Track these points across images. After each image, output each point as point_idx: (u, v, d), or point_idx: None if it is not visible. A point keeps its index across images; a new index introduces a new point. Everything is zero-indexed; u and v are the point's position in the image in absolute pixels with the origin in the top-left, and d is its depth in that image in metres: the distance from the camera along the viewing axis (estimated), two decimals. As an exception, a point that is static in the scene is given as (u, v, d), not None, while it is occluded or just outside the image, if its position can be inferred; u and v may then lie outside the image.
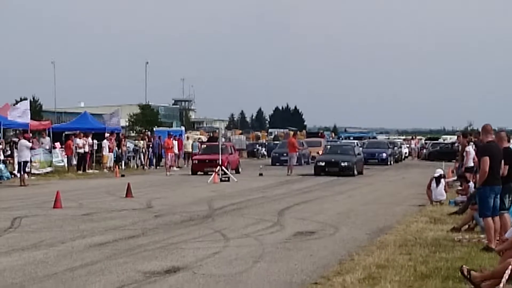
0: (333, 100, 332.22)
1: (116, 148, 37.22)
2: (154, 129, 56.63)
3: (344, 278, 8.68)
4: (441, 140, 66.83)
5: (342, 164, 32.80)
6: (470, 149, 20.42)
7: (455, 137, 42.27)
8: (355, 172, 32.86)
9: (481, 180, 10.94)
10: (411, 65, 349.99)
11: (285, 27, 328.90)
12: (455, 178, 22.42)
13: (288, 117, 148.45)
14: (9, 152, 30.99)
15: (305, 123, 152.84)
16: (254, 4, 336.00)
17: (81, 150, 34.15)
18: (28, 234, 12.91)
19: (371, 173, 35.24)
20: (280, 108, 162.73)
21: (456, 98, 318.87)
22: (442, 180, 18.51)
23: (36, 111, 68.70)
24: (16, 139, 31.73)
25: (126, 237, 12.57)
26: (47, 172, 32.04)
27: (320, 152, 39.29)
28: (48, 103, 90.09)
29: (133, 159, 39.47)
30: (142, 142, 39.71)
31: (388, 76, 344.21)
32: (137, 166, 38.86)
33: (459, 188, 18.64)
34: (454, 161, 30.63)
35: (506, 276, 7.51)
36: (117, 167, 34.72)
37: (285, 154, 39.34)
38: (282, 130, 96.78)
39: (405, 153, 57.98)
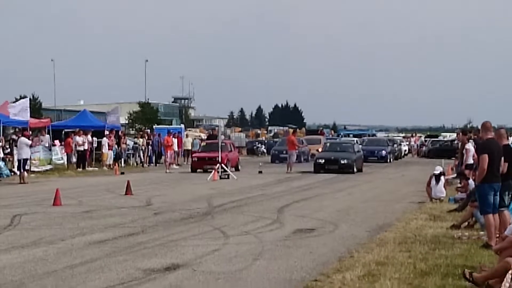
0: (332, 97, 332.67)
1: (116, 145, 37.21)
2: (154, 126, 56.62)
3: (344, 275, 8.68)
4: (440, 138, 66.82)
5: (342, 161, 32.81)
6: (470, 146, 20.43)
7: (455, 134, 42.19)
8: (355, 170, 32.86)
9: (480, 177, 10.94)
10: (411, 63, 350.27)
11: (285, 25, 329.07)
12: (455, 175, 22.43)
13: (288, 115, 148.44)
14: (8, 150, 30.97)
15: (304, 120, 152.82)
16: (254, 3, 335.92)
17: (81, 148, 34.17)
18: (27, 232, 12.91)
19: (370, 170, 35.24)
20: (280, 105, 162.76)
21: (455, 96, 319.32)
22: (442, 177, 18.52)
23: (36, 109, 68.65)
24: (15, 137, 31.73)
25: (126, 234, 12.57)
26: (47, 170, 32.04)
27: (320, 150, 39.27)
28: (47, 101, 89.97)
29: (133, 156, 39.47)
30: (141, 140, 39.72)
31: (387, 73, 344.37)
32: (137, 164, 38.87)
33: (459, 185, 18.63)
34: (454, 158, 30.62)
35: (507, 282, 7.48)
36: (116, 164, 34.72)
37: (284, 152, 39.33)
38: (281, 127, 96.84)
39: (405, 150, 57.99)
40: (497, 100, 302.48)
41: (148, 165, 38.97)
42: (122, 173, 31.90)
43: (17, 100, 46.19)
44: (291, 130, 54.11)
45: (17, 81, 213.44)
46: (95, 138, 36.01)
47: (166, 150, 36.38)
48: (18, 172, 27.02)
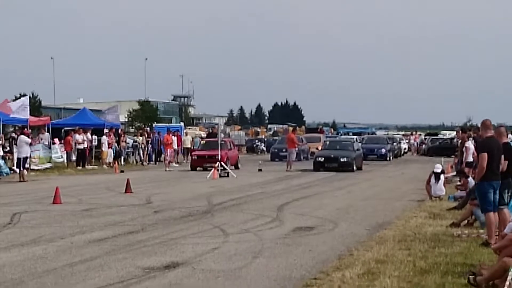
0: (332, 95, 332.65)
1: (116, 144, 37.20)
2: (154, 125, 56.62)
3: (344, 273, 8.68)
4: (440, 136, 66.82)
5: (341, 159, 32.80)
6: (470, 144, 20.43)
7: (454, 132, 42.19)
8: (354, 168, 32.86)
9: (479, 175, 10.94)
10: (410, 61, 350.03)
11: (284, 23, 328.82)
12: (454, 173, 22.43)
13: (287, 113, 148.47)
14: (8, 148, 30.96)
15: (304, 118, 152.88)
16: (253, 1, 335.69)
17: (81, 146, 34.14)
18: (27, 230, 12.91)
19: (370, 168, 35.23)
20: (279, 103, 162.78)
21: (455, 94, 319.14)
22: (442, 175, 18.52)
23: (36, 107, 68.60)
24: (15, 135, 31.74)
25: (126, 232, 12.57)
26: (47, 168, 32.04)
27: (319, 148, 39.27)
28: (47, 99, 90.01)
29: (132, 155, 39.47)
30: (141, 138, 39.70)
31: (387, 72, 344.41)
32: (136, 162, 38.86)
33: (458, 183, 18.64)
34: (453, 156, 30.63)
35: (509, 282, 7.48)
36: (116, 163, 34.71)
37: (284, 150, 39.34)
38: (281, 125, 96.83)
39: (404, 148, 57.98)
40: (497, 98, 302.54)
41: (148, 163, 38.96)
42: (122, 171, 31.90)
43: (16, 98, 46.19)
44: (290, 128, 54.24)
45: (17, 79, 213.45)
46: (94, 136, 36.00)
47: (165, 148, 36.37)
48: (17, 170, 27.01)
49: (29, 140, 27.49)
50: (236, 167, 33.98)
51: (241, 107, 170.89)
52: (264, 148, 57.82)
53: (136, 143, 39.44)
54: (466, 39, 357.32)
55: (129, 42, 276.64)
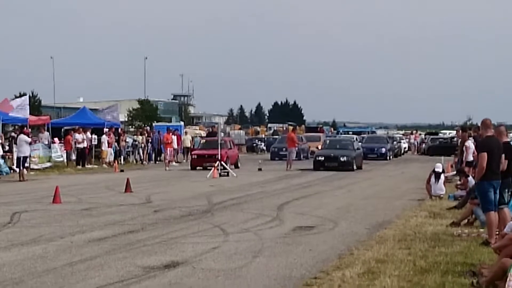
0: (332, 95, 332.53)
1: (115, 143, 37.19)
2: (154, 124, 56.61)
3: (344, 272, 8.67)
4: (440, 135, 66.80)
5: (341, 159, 32.79)
6: (470, 143, 20.42)
7: (454, 131, 42.17)
8: (354, 167, 32.85)
9: (479, 175, 10.93)
10: (410, 61, 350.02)
11: (284, 22, 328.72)
12: (454, 172, 22.42)
13: (287, 112, 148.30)
14: (8, 148, 30.96)
15: (304, 118, 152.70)
16: (253, 1, 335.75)
17: (80, 145, 34.12)
18: (27, 229, 12.91)
19: (370, 168, 35.23)
20: (279, 103, 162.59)
21: (455, 93, 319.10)
22: (442, 175, 18.52)
23: (35, 106, 68.64)
24: (14, 135, 31.74)
25: (126, 232, 12.57)
26: (46, 167, 32.02)
27: (319, 147, 39.25)
28: (47, 98, 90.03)
29: (132, 154, 39.46)
30: (141, 137, 39.69)
31: (387, 71, 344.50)
32: (136, 161, 38.85)
33: (458, 182, 18.64)
34: (454, 155, 30.62)
35: (510, 282, 7.46)
36: (116, 162, 34.71)
37: (284, 149, 39.34)
38: (281, 125, 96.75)
39: (404, 148, 57.97)
40: (497, 98, 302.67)
41: (148, 163, 38.95)
42: (122, 170, 31.89)
43: (16, 97, 46.17)
44: (290, 128, 54.23)
45: (17, 79, 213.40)
46: (94, 136, 35.97)
47: (165, 147, 36.37)
48: (17, 170, 27.00)
49: (29, 140, 27.48)
50: (236, 166, 33.98)
51: (241, 106, 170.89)
52: (264, 147, 57.79)
53: (136, 143, 39.43)
54: (466, 38, 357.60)
55: (129, 41, 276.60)
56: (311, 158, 38.57)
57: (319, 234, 12.42)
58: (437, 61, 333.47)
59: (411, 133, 67.88)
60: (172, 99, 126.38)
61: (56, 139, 36.46)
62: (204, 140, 38.85)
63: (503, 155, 11.04)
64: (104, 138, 35.68)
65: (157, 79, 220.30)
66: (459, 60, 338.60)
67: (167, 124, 59.21)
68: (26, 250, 10.69)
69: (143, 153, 39.36)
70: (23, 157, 26.61)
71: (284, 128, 79.67)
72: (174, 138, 38.65)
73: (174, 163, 37.66)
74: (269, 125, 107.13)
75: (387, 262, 9.34)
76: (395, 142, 52.44)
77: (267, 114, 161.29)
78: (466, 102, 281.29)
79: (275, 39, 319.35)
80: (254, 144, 60.08)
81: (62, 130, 38.05)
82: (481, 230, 12.11)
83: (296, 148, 37.12)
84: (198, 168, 32.95)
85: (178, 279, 8.63)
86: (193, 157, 34.55)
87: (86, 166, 33.96)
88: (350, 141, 37.92)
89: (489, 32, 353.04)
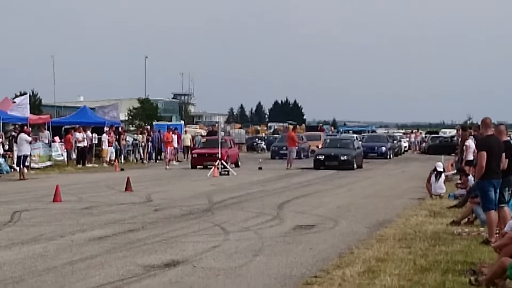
0: (332, 94, 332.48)
1: (116, 142, 37.20)
2: (154, 123, 56.59)
3: (344, 271, 8.68)
4: (441, 134, 66.79)
5: (342, 157, 32.79)
6: (470, 142, 20.42)
7: (455, 130, 42.18)
8: (355, 166, 32.85)
9: (478, 174, 10.92)
10: (411, 60, 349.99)
11: (284, 21, 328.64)
12: (455, 171, 22.42)
13: (288, 111, 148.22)
14: (7, 147, 30.95)
15: (304, 117, 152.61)
16: (254, 1, 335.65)
17: (81, 144, 34.14)
18: (27, 228, 12.91)
19: (370, 166, 35.22)
20: (280, 102, 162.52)
21: (455, 92, 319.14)
22: (442, 173, 18.51)
23: (36, 105, 68.69)
24: (14, 133, 31.73)
25: (126, 231, 12.57)
26: (47, 166, 32.04)
27: (320, 146, 39.26)
28: (47, 97, 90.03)
29: (132, 153, 39.45)
30: (141, 136, 39.69)
31: (387, 70, 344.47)
32: (137, 160, 38.85)
33: (459, 181, 18.64)
34: (454, 154, 30.62)
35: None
36: (116, 161, 34.71)
37: (284, 148, 39.33)
38: (281, 124, 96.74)
39: (405, 146, 57.96)
40: (497, 97, 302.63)
41: (148, 162, 38.95)
42: (122, 169, 31.89)
43: (17, 96, 46.18)
44: (291, 127, 54.14)
45: (17, 78, 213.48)
46: (95, 135, 35.96)
47: (166, 146, 36.38)
48: (18, 169, 27.00)
49: (29, 138, 27.49)
50: (237, 165, 33.99)
51: (242, 105, 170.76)
52: (265, 146, 57.77)
53: (136, 142, 39.43)
54: (466, 37, 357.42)
55: (129, 40, 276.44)
56: (311, 157, 38.55)
57: (320, 233, 12.42)
58: (437, 60, 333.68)
59: (411, 132, 67.87)
60: (172, 98, 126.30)
61: (56, 138, 36.48)
62: (205, 139, 38.86)
63: (503, 154, 11.02)
64: (105, 137, 35.68)
65: (157, 78, 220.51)
66: (459, 59, 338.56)
67: (168, 123, 59.21)
68: (27, 249, 10.69)
69: (143, 152, 39.35)
70: (24, 156, 26.62)
71: (285, 127, 79.62)
72: (175, 137, 38.66)
73: (174, 162, 37.65)
74: (270, 124, 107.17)
75: (388, 261, 9.34)
76: (395, 141, 52.41)
77: (268, 113, 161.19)
78: (466, 101, 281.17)
79: (275, 38, 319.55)
80: (255, 143, 60.06)
81: (63, 129, 38.04)
82: (481, 229, 12.11)
83: (297, 147, 37.12)
84: (198, 167, 32.95)
85: (178, 278, 8.64)
86: (193, 156, 34.55)
87: (87, 165, 33.97)
88: (350, 140, 37.89)
89: (489, 31, 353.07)
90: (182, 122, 65.15)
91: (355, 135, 51.74)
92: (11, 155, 30.27)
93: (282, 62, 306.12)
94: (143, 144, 39.38)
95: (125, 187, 20.63)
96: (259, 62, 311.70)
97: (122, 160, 37.16)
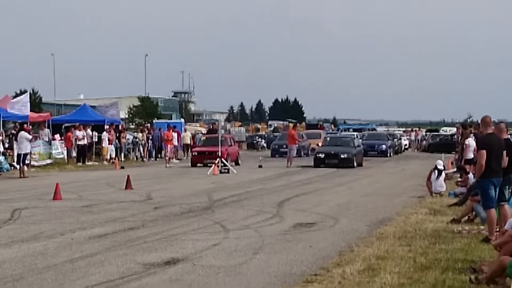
0: (332, 92, 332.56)
1: (116, 140, 37.20)
2: (154, 121, 56.62)
3: (344, 269, 8.68)
4: (441, 132, 66.77)
5: (342, 156, 32.77)
6: (470, 141, 20.42)
7: (455, 129, 42.16)
8: (355, 164, 32.84)
9: (478, 173, 10.91)
10: (411, 58, 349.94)
11: (284, 19, 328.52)
12: (455, 169, 22.42)
13: (288, 109, 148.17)
14: (7, 145, 30.95)
15: (304, 115, 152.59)
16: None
17: (81, 142, 34.15)
18: (27, 226, 12.91)
19: (370, 165, 35.22)
20: (280, 100, 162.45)
21: (455, 90, 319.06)
22: (442, 171, 18.51)
23: (36, 103, 68.73)
24: (14, 131, 31.73)
25: (126, 228, 12.57)
26: (47, 164, 32.04)
27: (320, 144, 39.23)
28: (47, 95, 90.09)
29: (133, 151, 39.46)
30: (141, 134, 39.68)
31: (387, 68, 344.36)
32: (137, 158, 38.85)
33: (459, 179, 18.63)
34: (454, 152, 30.62)
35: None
36: (116, 159, 34.71)
37: (284, 146, 39.32)
38: (281, 122, 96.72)
39: (405, 145, 57.95)
40: (497, 95, 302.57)
41: (148, 160, 38.95)
42: (122, 167, 31.89)
43: (17, 94, 46.20)
44: (291, 125, 54.02)
45: (17, 76, 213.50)
46: (95, 133, 35.98)
47: (166, 144, 36.38)
48: (18, 167, 27.00)
49: (30, 136, 27.48)
50: (237, 163, 33.98)
51: (242, 103, 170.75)
52: (265, 144, 57.78)
53: (137, 140, 39.43)
54: (466, 35, 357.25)
55: (129, 38, 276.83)
56: (311, 155, 38.55)
57: (320, 231, 12.42)
58: (437, 58, 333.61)
59: (412, 130, 67.87)
60: (172, 96, 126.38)
61: (56, 136, 36.48)
62: (205, 137, 38.86)
63: (504, 152, 11.00)
64: (105, 135, 35.70)
65: (157, 76, 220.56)
66: (459, 58, 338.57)
67: (168, 121, 59.24)
68: (27, 246, 10.69)
69: (143, 150, 39.35)
70: (24, 154, 26.62)
71: (285, 125, 79.61)
72: (175, 135, 38.67)
73: (174, 160, 37.65)
74: (270, 122, 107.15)
75: (388, 259, 9.34)
76: (395, 139, 52.41)
77: (268, 111, 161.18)
78: (466, 100, 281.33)
79: (275, 36, 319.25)
80: (255, 141, 60.06)
81: (63, 127, 38.06)
82: (482, 227, 12.11)
83: (297, 145, 37.09)
84: (198, 165, 32.94)
85: (178, 276, 8.64)
86: (193, 154, 34.55)
87: (87, 163, 33.98)
88: (350, 138, 37.85)
89: (490, 28, 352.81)
90: (182, 120, 65.14)
91: (355, 133, 51.71)
92: (11, 153, 30.27)
93: (282, 60, 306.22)
94: (143, 142, 39.38)
95: (125, 185, 20.64)
96: (259, 60, 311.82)
97: (122, 158, 37.17)
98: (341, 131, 72.86)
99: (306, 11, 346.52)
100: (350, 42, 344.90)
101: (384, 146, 45.71)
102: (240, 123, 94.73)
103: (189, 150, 39.35)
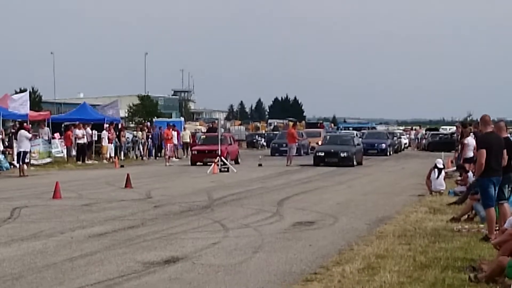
0: (332, 90, 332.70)
1: (116, 138, 37.19)
2: (154, 120, 56.60)
3: (344, 268, 8.68)
4: (441, 131, 66.77)
5: (342, 154, 32.77)
6: (470, 140, 20.41)
7: (455, 127, 42.16)
8: (355, 163, 32.84)
9: (478, 172, 10.91)
10: (411, 56, 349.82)
11: (284, 18, 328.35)
12: (455, 168, 22.42)
13: (288, 108, 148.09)
14: (7, 144, 30.94)
15: (304, 113, 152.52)
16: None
17: (81, 141, 34.14)
18: (27, 225, 12.91)
19: (370, 163, 35.23)
20: (280, 98, 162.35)
21: (455, 89, 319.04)
22: (442, 170, 18.51)
23: (36, 102, 68.70)
24: (13, 130, 31.71)
25: (126, 227, 12.57)
26: (46, 163, 32.03)
27: (320, 143, 39.22)
28: (47, 94, 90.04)
29: (132, 149, 39.45)
30: (141, 133, 39.68)
31: (387, 67, 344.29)
32: (137, 157, 38.85)
33: (458, 178, 18.63)
34: (454, 151, 30.62)
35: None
36: (116, 157, 34.70)
37: (284, 145, 39.31)
38: (281, 120, 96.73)
39: (405, 143, 57.96)
40: (497, 93, 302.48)
41: (148, 158, 38.95)
42: (122, 166, 31.89)
43: (17, 93, 46.16)
44: (291, 123, 54.09)
45: (17, 75, 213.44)
46: (95, 131, 35.97)
47: (166, 143, 36.37)
48: (17, 165, 27.00)
49: (29, 135, 27.46)
50: (236, 162, 33.98)
51: (241, 102, 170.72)
52: (264, 143, 57.77)
53: (136, 138, 39.42)
54: (466, 34, 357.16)
55: (129, 37, 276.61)
56: (311, 153, 38.53)
57: (319, 229, 12.42)
58: (437, 57, 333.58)
59: (411, 129, 67.88)
60: (172, 95, 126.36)
61: (56, 135, 36.48)
62: (205, 136, 38.85)
63: (504, 151, 10.99)
64: (105, 133, 35.68)
65: (157, 74, 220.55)
66: (460, 57, 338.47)
67: (168, 120, 59.22)
68: (26, 245, 10.69)
69: (143, 148, 39.35)
70: (23, 152, 26.60)
71: (285, 124, 79.64)
72: (175, 133, 38.66)
73: (174, 159, 37.65)
74: (270, 120, 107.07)
75: (387, 258, 9.34)
76: (395, 138, 52.41)
77: (268, 110, 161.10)
78: (466, 98, 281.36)
79: (275, 34, 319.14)
80: (254, 140, 60.07)
81: (63, 125, 38.05)
82: (481, 225, 12.11)
83: (296, 144, 37.07)
84: (198, 163, 32.93)
85: (178, 275, 8.64)
86: (193, 152, 34.53)
87: (86, 161, 33.98)
88: (350, 136, 37.87)
89: (490, 27, 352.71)
90: (182, 118, 65.13)
91: (355, 132, 51.72)
92: (11, 152, 30.26)
93: (282, 58, 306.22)
94: (143, 140, 39.38)
95: (125, 184, 20.64)
96: (259, 59, 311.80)
97: (122, 157, 37.17)
98: (341, 129, 72.87)
99: (306, 11, 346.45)
100: (350, 41, 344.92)
101: (384, 145, 45.71)
102: (240, 122, 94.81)
103: (189, 149, 39.34)
